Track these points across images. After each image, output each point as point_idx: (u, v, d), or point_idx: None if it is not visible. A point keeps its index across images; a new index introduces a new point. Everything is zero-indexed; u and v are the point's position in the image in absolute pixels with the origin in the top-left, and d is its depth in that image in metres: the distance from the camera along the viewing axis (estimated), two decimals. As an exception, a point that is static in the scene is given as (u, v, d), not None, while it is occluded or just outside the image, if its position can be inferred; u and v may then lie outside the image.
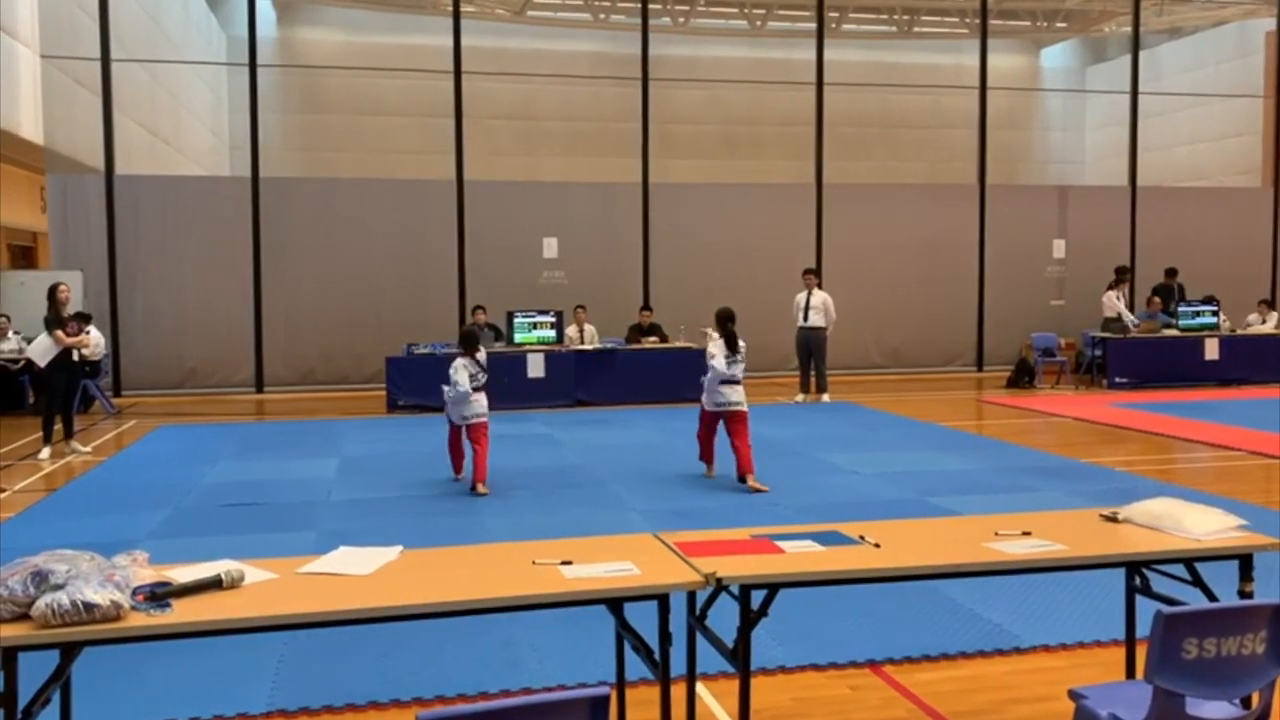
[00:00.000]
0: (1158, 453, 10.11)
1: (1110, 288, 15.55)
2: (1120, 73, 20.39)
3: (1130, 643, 3.93)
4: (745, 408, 8.30)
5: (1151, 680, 2.78)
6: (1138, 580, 3.76)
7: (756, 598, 3.19)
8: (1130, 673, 3.93)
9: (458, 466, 8.62)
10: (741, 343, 8.29)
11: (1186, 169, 23.23)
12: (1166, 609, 2.77)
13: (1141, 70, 18.74)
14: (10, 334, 13.29)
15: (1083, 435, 11.10)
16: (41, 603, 2.65)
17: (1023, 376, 15.52)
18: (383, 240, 15.56)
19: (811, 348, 13.83)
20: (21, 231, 20.05)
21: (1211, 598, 3.38)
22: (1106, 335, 15.22)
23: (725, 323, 8.29)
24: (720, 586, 3.18)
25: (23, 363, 12.46)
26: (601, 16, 23.35)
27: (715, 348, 8.22)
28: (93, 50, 14.72)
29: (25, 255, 20.80)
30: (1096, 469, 9.06)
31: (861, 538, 3.52)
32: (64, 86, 14.74)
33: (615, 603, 3.17)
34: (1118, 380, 14.91)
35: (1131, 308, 16.14)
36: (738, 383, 8.28)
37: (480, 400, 8.33)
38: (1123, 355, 15.06)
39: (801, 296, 13.90)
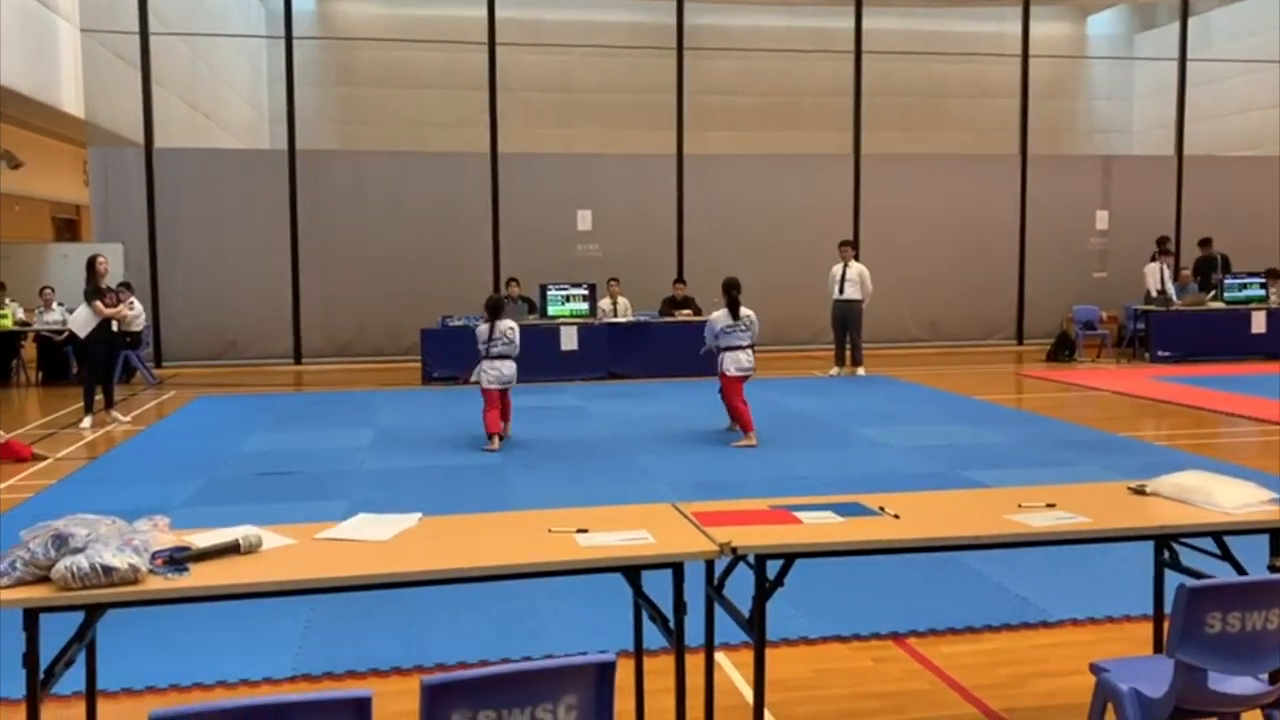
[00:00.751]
0: (1199, 427, 9.92)
1: (1153, 259, 15.24)
2: (1169, 39, 19.86)
3: (1158, 617, 3.86)
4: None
5: (1173, 654, 2.73)
6: (1166, 554, 3.69)
7: (773, 568, 3.17)
8: (1158, 648, 3.87)
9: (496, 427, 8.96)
10: (749, 312, 8.93)
11: (1239, 138, 22.58)
12: (1190, 582, 2.72)
13: (1191, 36, 18.26)
14: (55, 305, 13.54)
15: (1122, 409, 10.92)
16: (61, 565, 2.69)
17: (1063, 350, 15.27)
18: (418, 213, 15.62)
19: (847, 321, 13.70)
20: (65, 205, 20.33)
21: (1241, 572, 3.31)
22: (1149, 308, 14.94)
23: (729, 290, 8.89)
24: (737, 556, 3.16)
25: (66, 334, 12.68)
26: (637, -14, 23.12)
27: (719, 312, 8.99)
28: (132, 24, 14.83)
29: (69, 228, 21.11)
30: (1135, 443, 8.92)
31: (881, 509, 3.48)
32: (104, 60, 14.89)
33: (632, 571, 3.16)
34: (1160, 354, 14.64)
35: (1175, 278, 15.81)
36: (750, 347, 8.96)
37: (495, 366, 8.84)
38: (1166, 328, 14.78)
39: (838, 269, 13.75)
